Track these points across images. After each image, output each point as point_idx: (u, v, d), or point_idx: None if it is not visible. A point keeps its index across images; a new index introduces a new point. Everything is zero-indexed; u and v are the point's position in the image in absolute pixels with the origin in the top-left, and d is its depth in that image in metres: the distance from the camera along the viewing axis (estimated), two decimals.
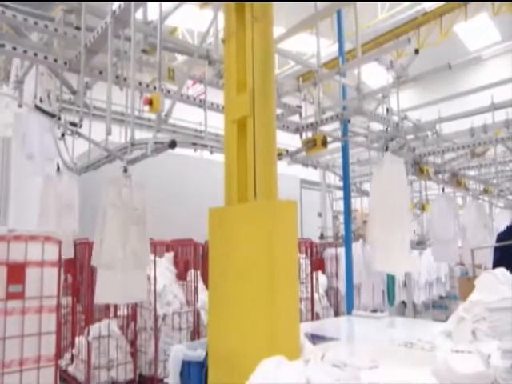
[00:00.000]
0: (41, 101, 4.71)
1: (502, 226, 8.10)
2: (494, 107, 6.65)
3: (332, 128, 7.56)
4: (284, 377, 1.83)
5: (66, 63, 3.98)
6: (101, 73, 4.16)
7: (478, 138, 7.25)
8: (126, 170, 4.18)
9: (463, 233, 7.53)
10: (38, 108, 4.34)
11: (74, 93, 4.76)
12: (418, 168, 7.16)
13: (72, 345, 6.34)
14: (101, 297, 4.32)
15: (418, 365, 3.01)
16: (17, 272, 4.21)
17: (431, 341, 3.59)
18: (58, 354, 4.61)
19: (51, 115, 4.29)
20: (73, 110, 4.95)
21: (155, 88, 4.08)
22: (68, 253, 5.30)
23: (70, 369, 6.16)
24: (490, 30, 12.89)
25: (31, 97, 4.69)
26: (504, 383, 2.30)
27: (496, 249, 5.90)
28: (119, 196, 4.13)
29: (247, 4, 3.25)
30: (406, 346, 3.72)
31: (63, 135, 5.19)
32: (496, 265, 4.86)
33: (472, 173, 9.32)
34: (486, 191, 9.19)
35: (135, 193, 4.21)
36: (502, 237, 6.14)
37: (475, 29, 12.71)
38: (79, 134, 4.27)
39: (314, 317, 7.82)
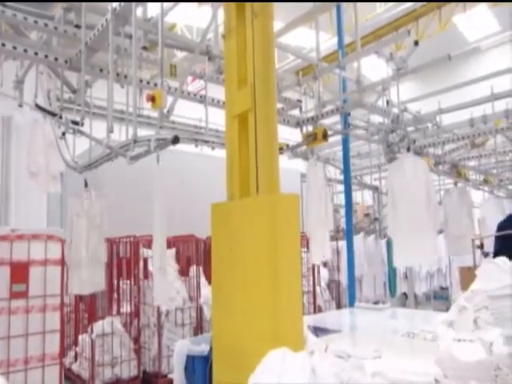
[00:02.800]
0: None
1: (488, 215, 8.18)
2: (493, 97, 6.65)
3: (332, 121, 7.56)
4: (290, 368, 1.86)
5: (66, 62, 3.99)
6: (101, 70, 4.17)
7: (478, 129, 7.25)
8: (86, 185, 5.12)
9: (445, 222, 7.49)
10: (38, 107, 4.35)
11: (74, 91, 4.77)
12: None
13: (75, 343, 6.37)
14: (74, 290, 5.11)
15: (421, 354, 3.04)
16: (20, 271, 4.23)
17: (433, 331, 3.61)
18: (62, 352, 4.64)
19: (52, 114, 4.31)
20: (73, 109, 4.96)
21: (155, 85, 4.09)
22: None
23: (74, 367, 6.18)
24: (488, 20, 12.86)
25: (31, 96, 4.70)
26: (507, 370, 2.32)
27: (497, 238, 5.93)
28: (82, 207, 5.03)
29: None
30: (409, 336, 3.75)
31: (64, 134, 5.20)
32: (497, 254, 4.89)
33: (472, 163, 9.34)
34: (485, 181, 9.23)
35: (95, 204, 5.08)
36: (502, 226, 6.17)
37: (474, 19, 12.68)
38: (81, 133, 4.28)
39: (316, 310, 7.86)
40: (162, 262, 4.52)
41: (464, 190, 7.70)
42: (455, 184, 7.78)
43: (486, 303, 3.20)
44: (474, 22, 12.84)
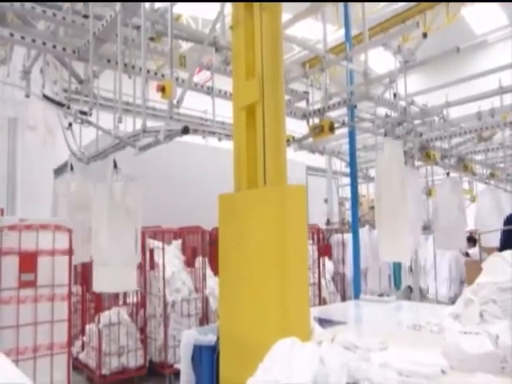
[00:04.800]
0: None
1: (484, 208, 8.12)
2: (501, 91, 6.59)
3: (338, 114, 7.54)
4: (298, 357, 1.87)
5: (74, 52, 3.99)
6: (109, 61, 4.17)
7: (485, 122, 7.19)
8: (115, 166, 4.56)
9: (435, 214, 7.32)
10: (46, 97, 4.36)
11: (80, 82, 4.75)
12: (424, 153, 7.13)
13: (82, 332, 6.44)
14: (97, 287, 4.85)
15: (427, 346, 3.05)
16: (29, 261, 4.26)
17: (439, 323, 3.62)
18: (70, 341, 4.68)
19: (60, 104, 4.31)
20: (80, 100, 4.96)
21: (163, 76, 4.09)
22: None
23: (81, 356, 6.27)
24: (496, 13, 12.77)
25: (38, 86, 4.71)
26: None
27: (504, 231, 5.93)
28: (111, 196, 4.52)
29: None
30: (415, 328, 3.75)
31: (70, 125, 5.21)
32: (503, 247, 4.89)
33: (479, 157, 9.27)
34: (492, 175, 9.17)
35: (126, 189, 4.58)
36: (509, 219, 6.17)
37: (482, 12, 12.58)
38: (89, 123, 4.28)
39: (321, 302, 7.89)
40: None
41: (456, 182, 7.57)
42: (447, 174, 7.61)
43: (492, 296, 3.21)
44: (482, 16, 12.74)
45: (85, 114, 4.30)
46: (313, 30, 10.63)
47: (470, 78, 7.62)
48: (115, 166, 4.59)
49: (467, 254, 10.07)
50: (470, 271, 6.72)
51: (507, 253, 3.53)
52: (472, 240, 9.90)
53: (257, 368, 2.18)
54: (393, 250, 5.11)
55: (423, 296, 9.81)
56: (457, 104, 7.16)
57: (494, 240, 6.27)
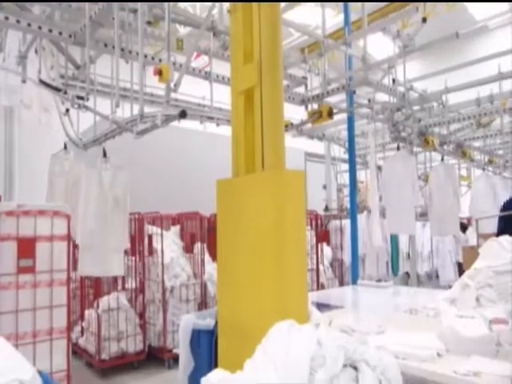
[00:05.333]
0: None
1: (479, 194, 8.09)
2: (500, 77, 6.56)
3: (337, 100, 7.51)
4: (296, 339, 1.89)
5: (70, 36, 3.95)
6: (106, 46, 4.13)
7: (484, 109, 7.18)
8: (105, 155, 4.76)
9: (430, 200, 7.13)
10: (42, 82, 4.32)
11: (77, 67, 4.71)
12: (423, 139, 7.13)
13: (82, 318, 6.50)
14: (82, 271, 4.98)
15: (424, 330, 3.08)
16: (27, 247, 4.26)
17: (435, 307, 3.65)
18: (70, 326, 4.71)
19: (57, 89, 4.28)
20: (76, 86, 4.92)
21: (160, 60, 4.06)
22: None
23: (81, 341, 6.33)
24: None
25: (35, 72, 4.67)
26: (507, 344, 2.35)
27: (501, 217, 5.96)
28: (100, 181, 4.71)
29: None
30: (411, 312, 3.79)
31: (68, 110, 5.18)
32: (500, 233, 4.92)
33: (477, 144, 9.27)
34: (490, 162, 9.18)
35: (115, 177, 4.78)
36: (508, 205, 6.20)
37: None
38: (86, 108, 4.26)
39: (320, 288, 7.94)
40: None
41: (450, 167, 7.38)
42: (442, 159, 7.43)
43: (488, 281, 3.23)
44: (482, 1, 12.61)
45: (82, 98, 4.27)
46: (312, 15, 10.54)
47: (469, 64, 7.57)
48: (105, 154, 4.78)
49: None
50: (467, 256, 6.74)
51: (504, 238, 3.56)
52: (462, 226, 9.96)
53: (254, 350, 2.20)
54: (399, 223, 5.45)
55: (420, 282, 9.87)
56: (456, 90, 7.12)
57: (489, 226, 6.29)
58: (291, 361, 1.74)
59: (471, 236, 9.84)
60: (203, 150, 8.90)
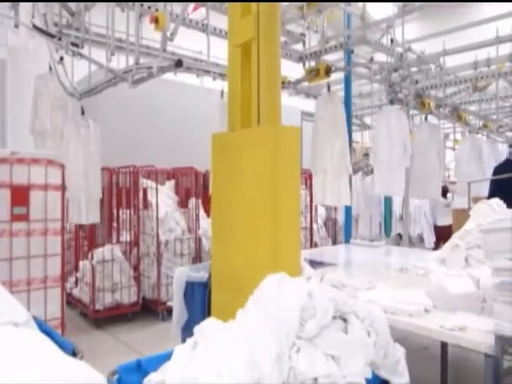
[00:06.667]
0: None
1: (463, 155, 8.01)
2: (498, 41, 6.46)
3: (335, 59, 7.38)
4: (287, 290, 1.93)
5: None
6: None
7: (481, 72, 7.10)
8: (83, 112, 5.14)
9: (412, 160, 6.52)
10: (36, 28, 4.18)
11: (72, 14, 4.54)
12: (419, 101, 7.08)
13: (76, 268, 6.56)
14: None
15: (413, 287, 3.16)
16: (21, 194, 4.26)
17: (425, 267, 3.74)
18: (64, 276, 4.77)
19: (51, 35, 4.14)
20: (71, 35, 4.77)
21: (157, 10, 3.94)
22: None
23: (75, 292, 6.42)
24: None
25: (28, 17, 4.51)
26: (491, 301, 2.43)
27: (492, 181, 6.05)
28: (77, 138, 5.13)
29: None
30: (402, 271, 3.88)
31: (62, 59, 5.05)
32: (491, 196, 5.02)
33: (473, 108, 9.22)
34: (485, 126, 9.17)
35: (90, 133, 5.16)
36: (498, 169, 6.28)
37: None
38: (81, 55, 4.15)
39: (313, 246, 8.06)
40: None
41: (434, 127, 6.95)
42: (425, 119, 7.03)
43: (477, 242, 3.30)
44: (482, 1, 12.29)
45: (76, 45, 4.15)
46: None
47: (467, 27, 7.43)
48: (83, 112, 5.15)
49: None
50: (458, 218, 6.82)
51: (493, 200, 3.63)
52: (443, 190, 10.00)
53: (247, 301, 2.25)
54: (387, 183, 5.60)
55: (412, 243, 10.03)
56: (454, 52, 7.02)
57: (474, 190, 6.31)
58: (282, 310, 1.78)
59: (457, 199, 9.82)
60: (200, 104, 8.78)
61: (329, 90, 5.33)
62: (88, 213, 5.17)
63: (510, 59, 6.55)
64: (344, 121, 5.31)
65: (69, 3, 4.37)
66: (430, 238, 10.33)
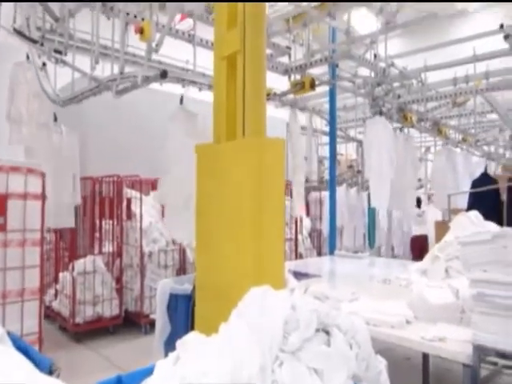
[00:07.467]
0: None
1: (439, 167, 8.16)
2: (475, 59, 6.69)
3: (320, 73, 7.49)
4: (271, 303, 1.93)
5: None
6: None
7: (460, 88, 7.30)
8: (55, 119, 5.17)
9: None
10: (17, 32, 4.08)
11: (56, 20, 4.46)
12: (402, 115, 7.20)
13: (56, 280, 6.41)
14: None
15: (395, 298, 3.19)
16: None
17: (407, 278, 3.78)
18: (43, 288, 4.63)
19: (33, 41, 4.05)
20: (54, 40, 4.73)
21: (143, 20, 3.93)
22: None
23: (54, 304, 6.26)
24: None
25: (9, 21, 4.42)
26: (469, 312, 2.48)
27: (471, 194, 6.23)
28: (51, 144, 5.18)
29: None
30: (385, 282, 3.92)
31: (44, 64, 5.00)
32: (470, 208, 5.15)
33: (453, 122, 9.45)
34: (464, 140, 9.39)
35: (65, 140, 5.25)
36: (476, 183, 6.48)
37: None
38: (64, 63, 4.09)
39: (298, 257, 8.08)
40: None
41: (409, 138, 7.02)
42: (400, 130, 7.11)
43: (457, 253, 3.36)
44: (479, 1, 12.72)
45: (60, 53, 4.08)
46: None
47: (447, 44, 7.77)
48: (55, 119, 5.20)
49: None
50: (439, 230, 6.88)
51: (472, 213, 3.71)
52: (418, 201, 10.15)
53: (230, 314, 2.24)
54: (374, 196, 5.71)
55: (394, 255, 10.10)
56: (434, 69, 7.24)
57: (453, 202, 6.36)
58: (265, 323, 1.78)
59: (430, 210, 10.00)
60: None
61: None
62: (57, 217, 5.13)
63: (486, 77, 6.73)
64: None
65: (53, 8, 4.29)
66: (401, 248, 10.46)
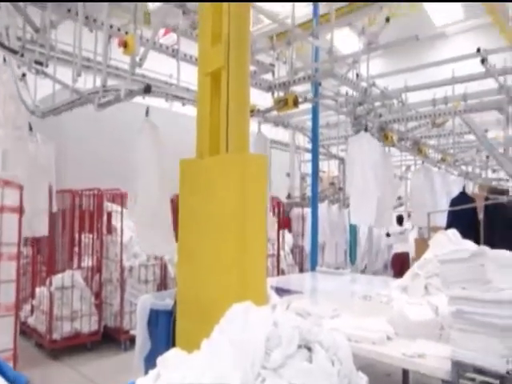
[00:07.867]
0: None
1: (417, 185, 8.29)
2: (454, 81, 6.89)
3: (303, 90, 7.60)
4: (253, 320, 1.92)
5: None
6: (69, 11, 3.89)
7: (439, 109, 7.47)
8: (30, 129, 5.12)
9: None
10: None
11: (36, 31, 4.40)
12: (383, 134, 7.33)
13: (32, 296, 6.27)
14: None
15: (376, 315, 3.21)
16: None
17: (388, 294, 3.81)
18: (18, 303, 4.51)
19: (12, 51, 3.98)
20: (35, 51, 4.68)
21: (127, 33, 3.93)
22: None
23: (30, 320, 6.12)
24: (455, 7, 13.16)
25: None
26: (448, 328, 2.51)
27: (449, 212, 6.33)
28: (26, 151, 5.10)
29: None
30: (366, 299, 3.94)
31: (24, 75, 4.94)
32: (449, 226, 5.24)
33: (432, 142, 9.66)
34: (443, 160, 9.59)
35: (40, 149, 5.21)
36: (454, 202, 6.61)
37: (442, 6, 12.95)
38: (45, 74, 4.03)
39: (280, 273, 8.08)
40: None
41: (387, 155, 6.90)
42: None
43: (436, 270, 3.41)
44: (441, 7, 13.11)
45: (40, 64, 4.02)
46: (282, 4, 10.52)
47: (427, 66, 8.04)
48: (30, 128, 5.16)
49: (388, 235, 10.38)
50: (419, 248, 6.96)
51: (450, 231, 3.79)
52: (399, 219, 10.38)
53: (212, 330, 2.23)
54: (358, 212, 5.64)
55: (375, 272, 10.17)
56: (415, 89, 7.44)
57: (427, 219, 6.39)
58: (247, 340, 1.77)
59: (412, 229, 10.25)
60: (167, 128, 8.73)
61: None
62: (31, 225, 5.06)
63: (464, 99, 6.92)
64: None
65: (33, 19, 4.24)
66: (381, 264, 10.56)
